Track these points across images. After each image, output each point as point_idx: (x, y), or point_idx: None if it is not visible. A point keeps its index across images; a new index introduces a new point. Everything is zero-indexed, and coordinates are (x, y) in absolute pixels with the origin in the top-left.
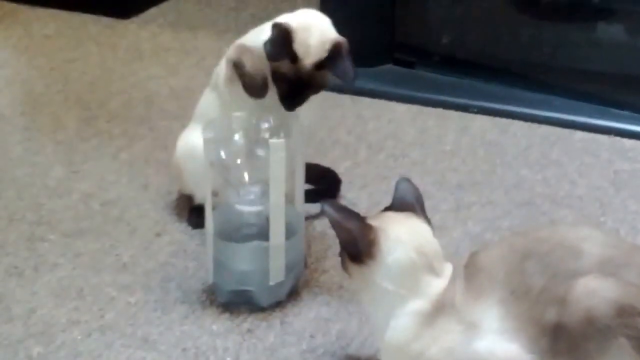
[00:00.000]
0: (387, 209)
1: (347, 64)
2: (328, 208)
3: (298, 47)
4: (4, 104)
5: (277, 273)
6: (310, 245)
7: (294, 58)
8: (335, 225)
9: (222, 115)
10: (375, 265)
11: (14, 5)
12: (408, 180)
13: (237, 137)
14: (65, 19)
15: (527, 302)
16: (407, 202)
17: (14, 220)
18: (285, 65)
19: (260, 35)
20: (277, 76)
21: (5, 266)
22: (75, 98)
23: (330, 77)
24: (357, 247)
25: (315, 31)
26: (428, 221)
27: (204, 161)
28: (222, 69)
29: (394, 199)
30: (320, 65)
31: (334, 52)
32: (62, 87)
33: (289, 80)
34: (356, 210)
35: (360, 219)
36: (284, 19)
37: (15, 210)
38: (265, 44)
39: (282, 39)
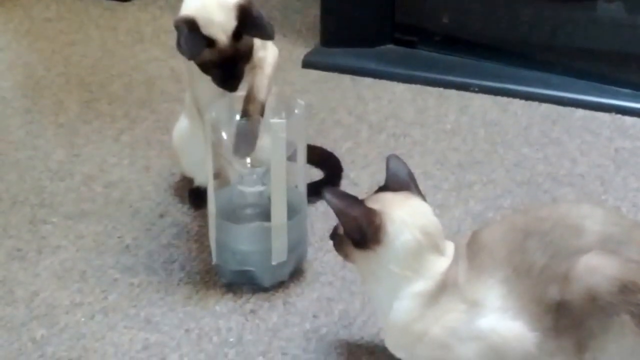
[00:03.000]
0: (382, 188)
1: (259, 21)
2: (330, 196)
3: (207, 31)
4: (6, 87)
5: (279, 253)
6: (312, 225)
7: (210, 43)
8: (339, 213)
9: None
10: (381, 250)
11: None
12: (397, 157)
13: (238, 117)
14: (65, 2)
15: (530, 280)
16: (401, 180)
17: (17, 203)
18: (206, 54)
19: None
20: (204, 66)
21: (7, 249)
22: (77, 81)
23: (250, 38)
24: (363, 233)
25: (214, 5)
26: (424, 198)
27: (200, 144)
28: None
29: (387, 177)
30: (237, 34)
31: (242, 16)
32: (63, 70)
33: (217, 64)
34: (358, 190)
35: (363, 205)
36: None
37: (18, 193)
38: (178, 46)
39: (191, 33)
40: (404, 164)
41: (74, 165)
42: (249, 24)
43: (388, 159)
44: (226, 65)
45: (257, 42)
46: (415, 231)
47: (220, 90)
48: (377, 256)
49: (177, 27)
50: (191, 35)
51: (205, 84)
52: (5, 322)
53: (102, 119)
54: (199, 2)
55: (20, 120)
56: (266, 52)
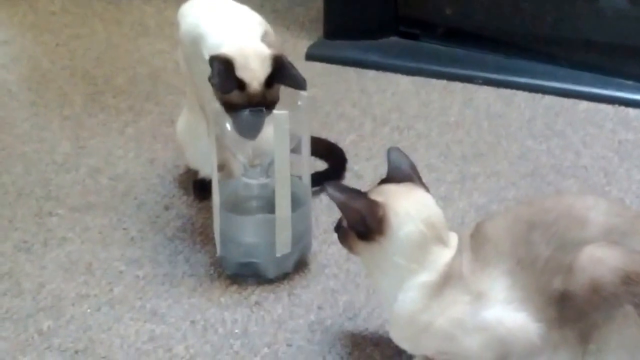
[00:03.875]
0: (384, 180)
1: (293, 72)
2: (332, 190)
3: (241, 73)
4: (11, 80)
5: (283, 245)
6: (317, 217)
7: (241, 86)
8: (342, 206)
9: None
10: (385, 241)
11: None
12: (398, 149)
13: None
14: None
15: (534, 271)
16: (403, 172)
17: (23, 196)
18: (235, 95)
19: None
20: (229, 107)
21: (14, 241)
22: (82, 74)
23: (278, 90)
24: (367, 225)
25: (251, 51)
26: (427, 189)
27: (204, 136)
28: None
29: (390, 169)
30: (269, 82)
31: (277, 65)
32: (68, 63)
33: (242, 107)
34: (362, 182)
35: (365, 197)
36: (214, 42)
37: (24, 186)
38: (212, 78)
39: (227, 71)
40: (406, 155)
41: (80, 157)
42: (283, 73)
43: (389, 152)
44: (251, 110)
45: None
46: (419, 222)
47: None
48: (381, 248)
49: (212, 63)
50: (226, 74)
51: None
52: (11, 314)
53: (107, 112)
54: (237, 46)
55: (25, 113)
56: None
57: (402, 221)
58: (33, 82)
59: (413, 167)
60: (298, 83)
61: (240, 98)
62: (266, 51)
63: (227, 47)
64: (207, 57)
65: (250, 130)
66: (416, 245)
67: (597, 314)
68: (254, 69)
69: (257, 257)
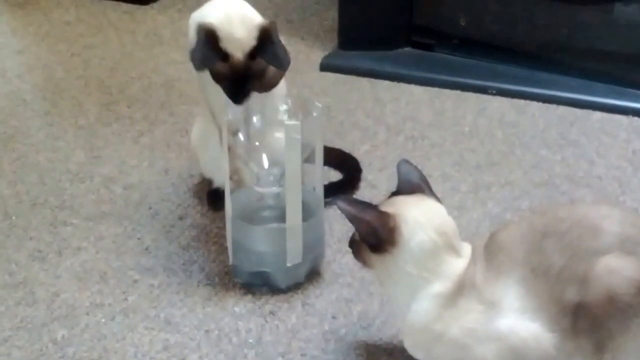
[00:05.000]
0: (395, 193)
1: (276, 48)
2: (342, 204)
3: (225, 44)
4: (26, 89)
5: (294, 255)
6: (331, 226)
7: (225, 57)
8: (352, 219)
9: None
10: (397, 252)
11: None
12: (408, 161)
13: (255, 119)
14: (85, 5)
15: (548, 281)
16: (413, 184)
17: (37, 205)
18: (219, 65)
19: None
20: (215, 76)
21: (29, 250)
22: (96, 83)
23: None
24: (378, 236)
25: (237, 21)
26: (438, 199)
27: (217, 146)
28: None
29: (400, 182)
30: (252, 54)
31: (262, 38)
32: (82, 72)
33: (228, 77)
34: (376, 192)
35: (376, 209)
36: (202, 14)
37: (38, 195)
38: (193, 52)
39: (208, 43)
40: (416, 168)
41: (94, 167)
42: (267, 48)
43: (399, 165)
44: (236, 80)
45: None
46: (430, 231)
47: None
48: (394, 258)
49: (199, 30)
50: (206, 48)
51: (217, 89)
52: (26, 323)
53: (122, 121)
54: (223, 13)
55: (40, 123)
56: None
57: (413, 230)
58: (47, 91)
59: (423, 179)
60: (281, 63)
61: (225, 68)
62: (255, 20)
63: (212, 13)
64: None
65: (237, 96)
66: (428, 255)
67: (612, 324)
68: (238, 39)
69: (268, 267)
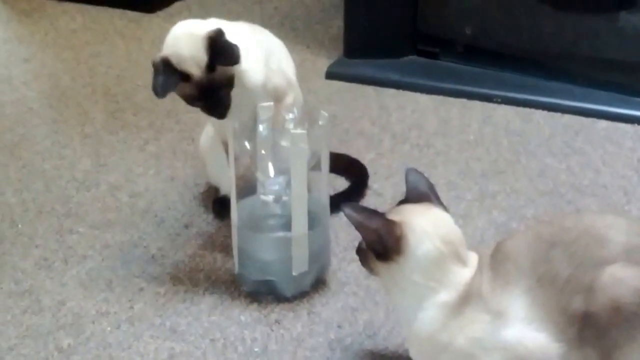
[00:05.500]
0: (402, 202)
1: (225, 50)
2: (349, 211)
3: (181, 66)
4: (32, 97)
5: (300, 263)
6: (337, 235)
7: (185, 78)
8: (359, 226)
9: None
10: (403, 260)
11: (41, 0)
12: (416, 170)
13: (261, 128)
14: (91, 13)
15: (554, 290)
16: (421, 192)
17: (43, 213)
18: (185, 88)
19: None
20: (186, 99)
21: (35, 258)
22: (102, 91)
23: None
24: (385, 245)
25: (183, 41)
26: (445, 208)
27: (223, 154)
28: None
29: (407, 190)
30: (211, 66)
31: (211, 48)
32: (88, 80)
33: (197, 96)
34: (382, 200)
35: (383, 217)
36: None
37: (44, 203)
38: (155, 86)
39: (166, 72)
40: (423, 176)
41: (100, 175)
42: (217, 56)
43: (407, 173)
44: (206, 96)
45: (283, 85)
46: (437, 240)
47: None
48: (400, 267)
49: (154, 66)
50: (163, 75)
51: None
52: (32, 331)
53: (128, 129)
54: (171, 38)
55: (46, 130)
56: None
57: (419, 239)
58: (54, 99)
59: (431, 188)
60: (231, 60)
61: (190, 89)
62: (198, 33)
63: (165, 44)
64: None
65: (217, 110)
66: (434, 264)
67: (618, 334)
68: (191, 57)
69: (273, 275)
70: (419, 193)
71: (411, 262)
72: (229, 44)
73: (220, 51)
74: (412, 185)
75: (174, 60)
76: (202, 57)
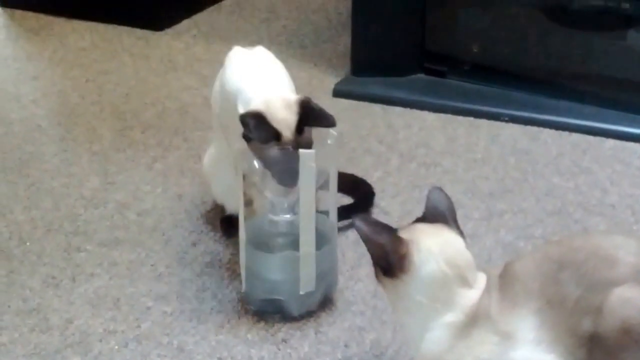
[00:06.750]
0: (419, 219)
1: (321, 113)
2: (359, 223)
3: (275, 124)
4: (40, 115)
5: (307, 282)
6: (344, 254)
7: (277, 135)
8: (366, 240)
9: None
10: (408, 279)
11: (50, 18)
12: (440, 189)
13: None
14: (99, 31)
15: (563, 312)
16: (438, 213)
17: (51, 231)
18: (272, 150)
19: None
20: (268, 161)
21: (42, 276)
22: (110, 109)
23: (310, 133)
24: (389, 261)
25: (277, 101)
26: (460, 231)
27: (230, 172)
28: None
29: (426, 208)
30: (299, 129)
31: (304, 110)
32: (97, 98)
33: (280, 161)
34: (389, 218)
35: (391, 233)
36: (247, 97)
37: (52, 221)
38: (249, 134)
39: (261, 124)
40: (446, 197)
41: (108, 193)
42: (313, 117)
43: (430, 191)
44: (288, 162)
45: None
46: (442, 262)
47: None
48: (405, 285)
49: (244, 120)
50: (261, 125)
51: (233, 117)
52: (39, 350)
53: (136, 147)
54: (264, 99)
55: (54, 148)
56: None
57: (425, 259)
58: (62, 117)
59: (450, 209)
60: (328, 122)
61: (276, 153)
62: (292, 97)
63: (255, 102)
64: (240, 111)
65: (290, 178)
66: (438, 285)
67: (627, 356)
68: (283, 119)
69: (280, 294)
70: (436, 213)
71: (415, 282)
72: (320, 108)
73: (315, 114)
74: (431, 204)
75: (268, 117)
76: (293, 119)
